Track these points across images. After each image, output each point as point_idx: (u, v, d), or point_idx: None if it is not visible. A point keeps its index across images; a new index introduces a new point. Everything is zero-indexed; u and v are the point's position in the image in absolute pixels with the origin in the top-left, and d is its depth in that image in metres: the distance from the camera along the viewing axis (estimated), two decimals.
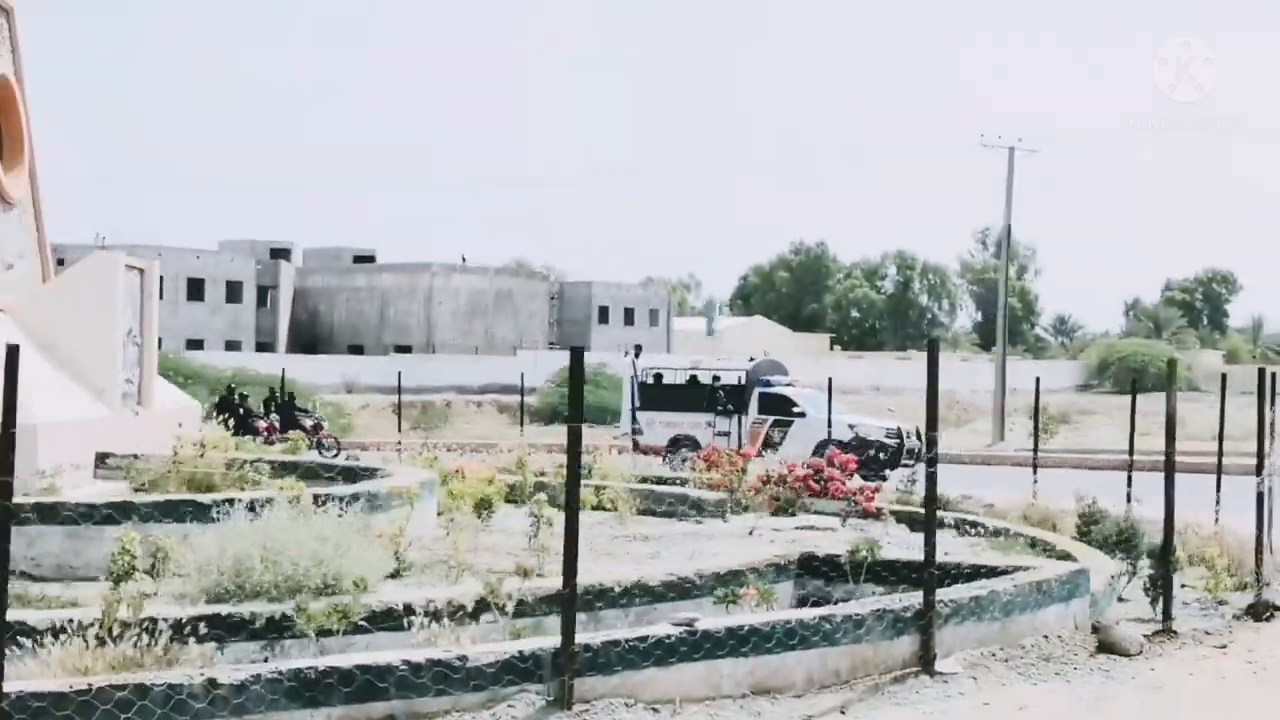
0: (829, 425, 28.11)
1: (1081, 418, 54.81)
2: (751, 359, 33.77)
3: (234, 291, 74.93)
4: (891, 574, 10.69)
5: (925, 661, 8.78)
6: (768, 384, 30.42)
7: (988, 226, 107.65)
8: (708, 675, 7.96)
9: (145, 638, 7.27)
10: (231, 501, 10.42)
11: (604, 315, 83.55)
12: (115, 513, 10.29)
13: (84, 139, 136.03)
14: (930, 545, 9.08)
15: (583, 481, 9.85)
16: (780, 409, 29.91)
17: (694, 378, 31.55)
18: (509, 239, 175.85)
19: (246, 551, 8.60)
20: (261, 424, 26.62)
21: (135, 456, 14.29)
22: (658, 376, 31.78)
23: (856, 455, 20.71)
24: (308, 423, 27.42)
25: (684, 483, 17.90)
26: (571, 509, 7.80)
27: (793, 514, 15.75)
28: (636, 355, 31.43)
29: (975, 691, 8.47)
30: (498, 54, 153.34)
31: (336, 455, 23.87)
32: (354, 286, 78.87)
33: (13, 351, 6.62)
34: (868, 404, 53.60)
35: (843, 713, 7.97)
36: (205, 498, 11.17)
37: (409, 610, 8.28)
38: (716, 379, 30.63)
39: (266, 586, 8.40)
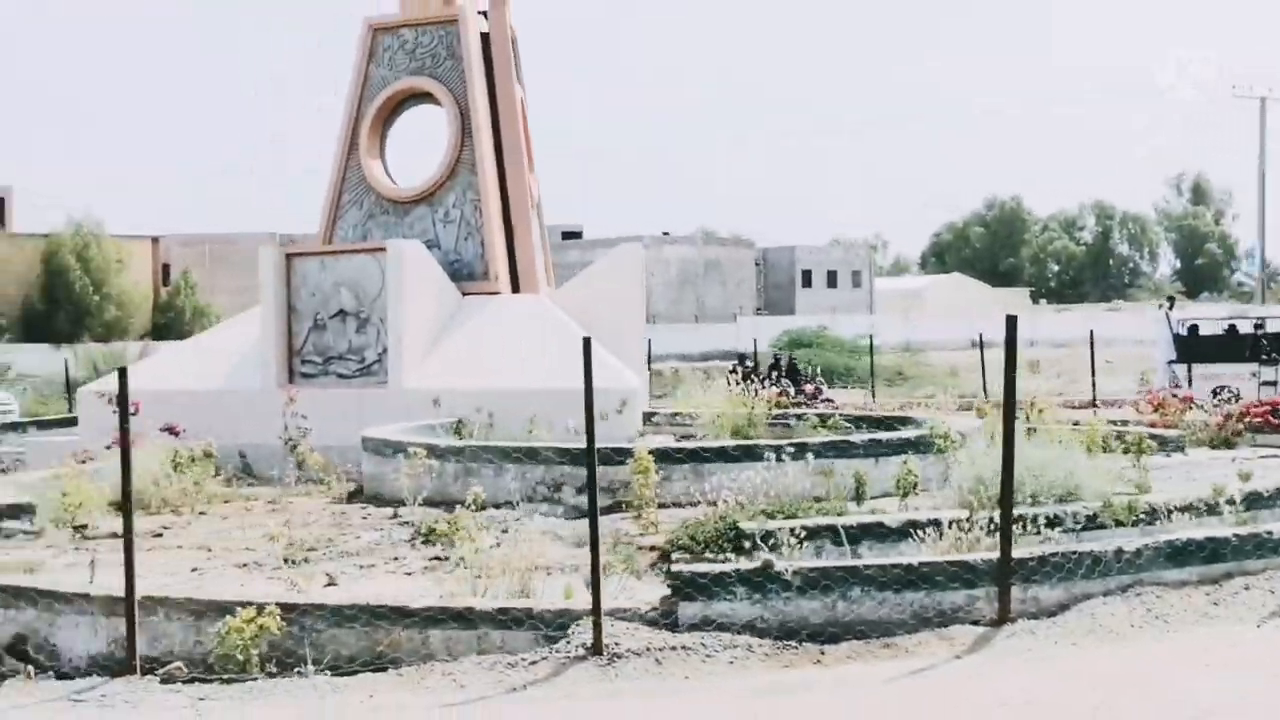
0: None
1: None
2: None
3: None
4: None
5: None
6: None
7: (1182, 172, 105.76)
8: None
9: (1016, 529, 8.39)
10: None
11: (807, 279, 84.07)
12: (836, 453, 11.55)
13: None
14: None
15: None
16: None
17: (1233, 327, 30.73)
18: (690, 207, 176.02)
19: (992, 469, 9.72)
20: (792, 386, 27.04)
21: (676, 414, 15.68)
22: (1193, 328, 31.10)
23: None
24: (809, 387, 28.27)
25: (1124, 423, 18.68)
26: None
27: (1233, 447, 16.61)
28: (1170, 307, 30.75)
29: None
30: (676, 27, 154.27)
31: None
32: (567, 263, 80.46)
33: (587, 342, 8.32)
34: (1082, 357, 53.38)
35: None
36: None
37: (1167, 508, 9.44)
38: (1259, 326, 29.67)
39: (1032, 494, 9.51)
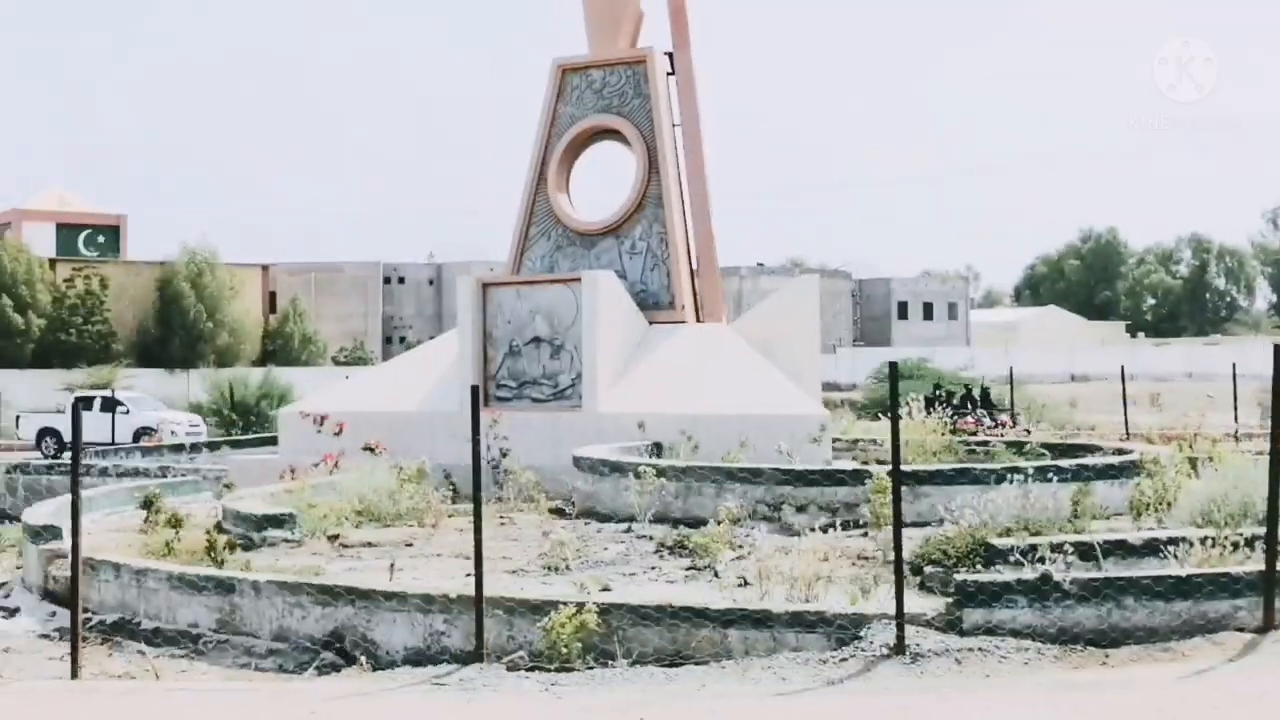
0: None
1: None
2: None
3: None
4: None
5: None
6: None
7: (1277, 206, 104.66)
8: None
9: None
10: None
11: (903, 310, 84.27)
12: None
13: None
14: None
15: None
16: None
17: None
18: (780, 240, 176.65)
19: (1223, 491, 10.27)
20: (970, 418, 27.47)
21: (857, 440, 16.35)
22: None
23: None
24: (1002, 417, 28.69)
25: None
26: None
27: None
28: None
29: None
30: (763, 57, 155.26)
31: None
32: None
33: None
34: (1182, 390, 53.28)
35: None
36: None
37: None
38: None
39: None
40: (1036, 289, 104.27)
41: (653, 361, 16.64)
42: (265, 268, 71.72)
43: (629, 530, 12.53)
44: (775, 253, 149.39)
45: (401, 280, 78.75)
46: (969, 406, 26.15)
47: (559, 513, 14.28)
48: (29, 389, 56.03)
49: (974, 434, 18.14)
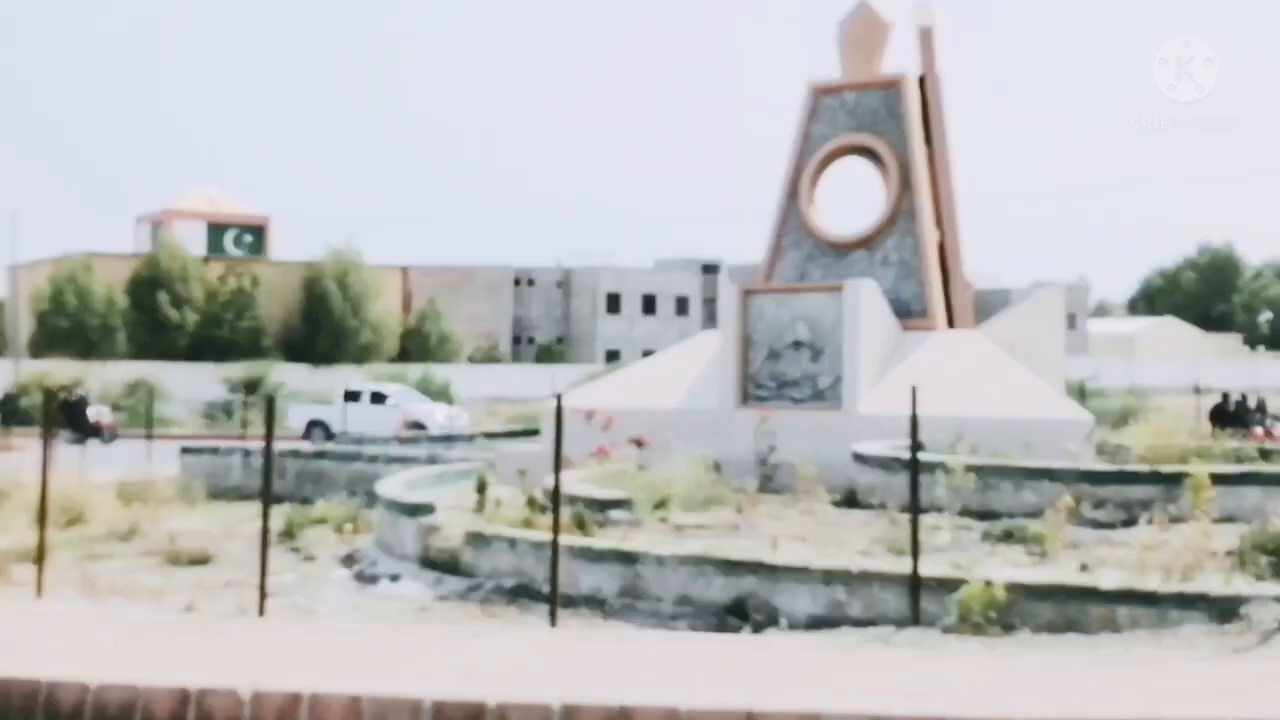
0: None
1: None
2: None
3: (681, 305, 79.45)
4: None
5: None
6: None
7: None
8: None
9: None
10: None
11: None
12: None
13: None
14: None
15: None
16: None
17: None
18: None
19: None
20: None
21: (1119, 446, 17.36)
22: None
23: None
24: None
25: None
26: None
27: None
28: None
29: None
30: None
31: None
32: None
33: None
34: None
35: None
36: None
37: None
38: None
39: None
40: (1151, 301, 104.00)
41: (909, 366, 17.74)
42: (404, 269, 73.83)
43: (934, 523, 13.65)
44: None
45: (531, 283, 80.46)
46: (1247, 416, 26.90)
47: (843, 504, 15.40)
48: (186, 382, 58.33)
49: (1262, 443, 19.09)
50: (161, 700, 8.04)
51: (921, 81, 19.02)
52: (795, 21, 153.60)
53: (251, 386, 57.58)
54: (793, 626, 10.23)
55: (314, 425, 39.08)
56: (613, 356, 76.04)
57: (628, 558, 11.27)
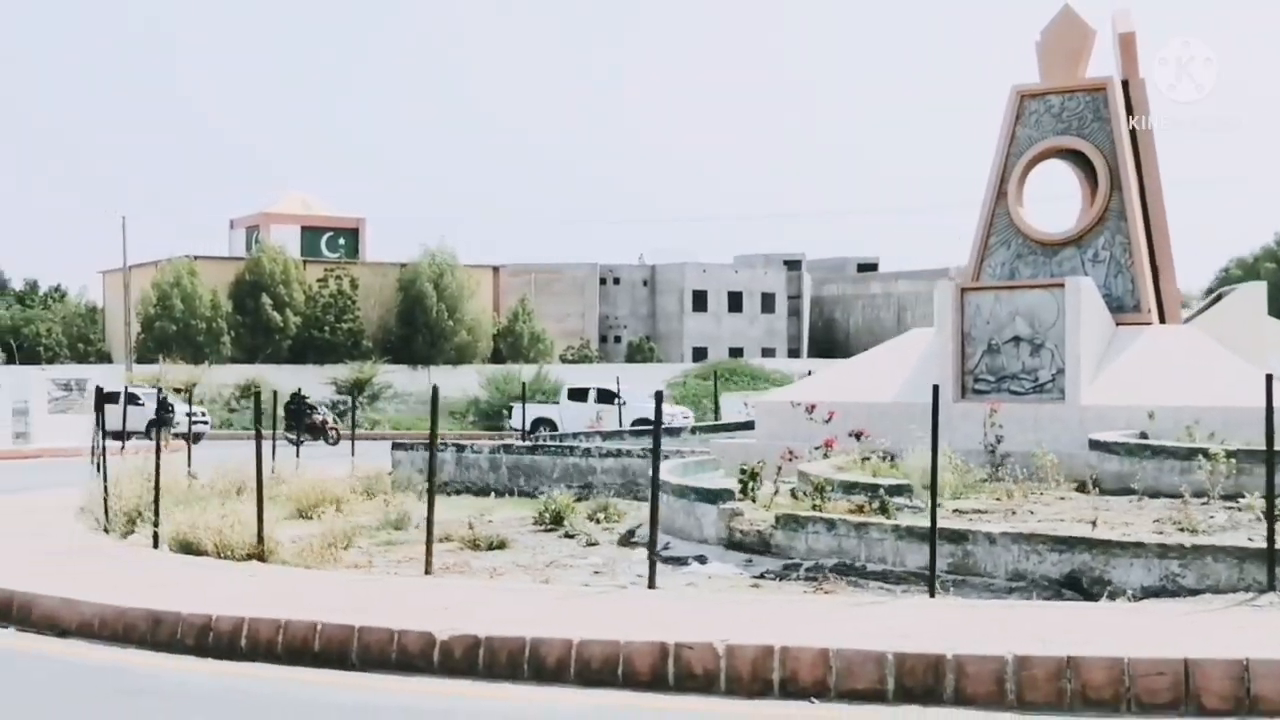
0: None
1: None
2: None
3: (767, 302, 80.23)
4: None
5: None
6: None
7: None
8: None
9: None
10: None
11: None
12: None
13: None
14: None
15: None
16: None
17: None
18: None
19: None
20: None
21: None
22: None
23: None
24: None
25: None
26: None
27: None
28: None
29: None
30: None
31: None
32: (869, 294, 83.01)
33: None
34: None
35: None
36: None
37: None
38: None
39: None
40: None
41: (1126, 359, 18.56)
42: (496, 269, 75.03)
43: (1206, 504, 14.47)
44: (949, 256, 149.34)
45: (617, 281, 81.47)
46: None
47: (1084, 490, 16.22)
48: (292, 383, 59.55)
49: None
50: (642, 654, 9.03)
51: (1125, 85, 19.81)
52: (859, 17, 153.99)
53: (359, 387, 58.93)
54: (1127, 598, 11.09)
55: (539, 424, 40.38)
56: (700, 354, 76.99)
57: (958, 536, 12.16)
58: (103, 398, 20.62)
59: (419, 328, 68.24)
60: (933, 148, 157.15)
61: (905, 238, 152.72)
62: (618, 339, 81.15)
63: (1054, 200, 21.09)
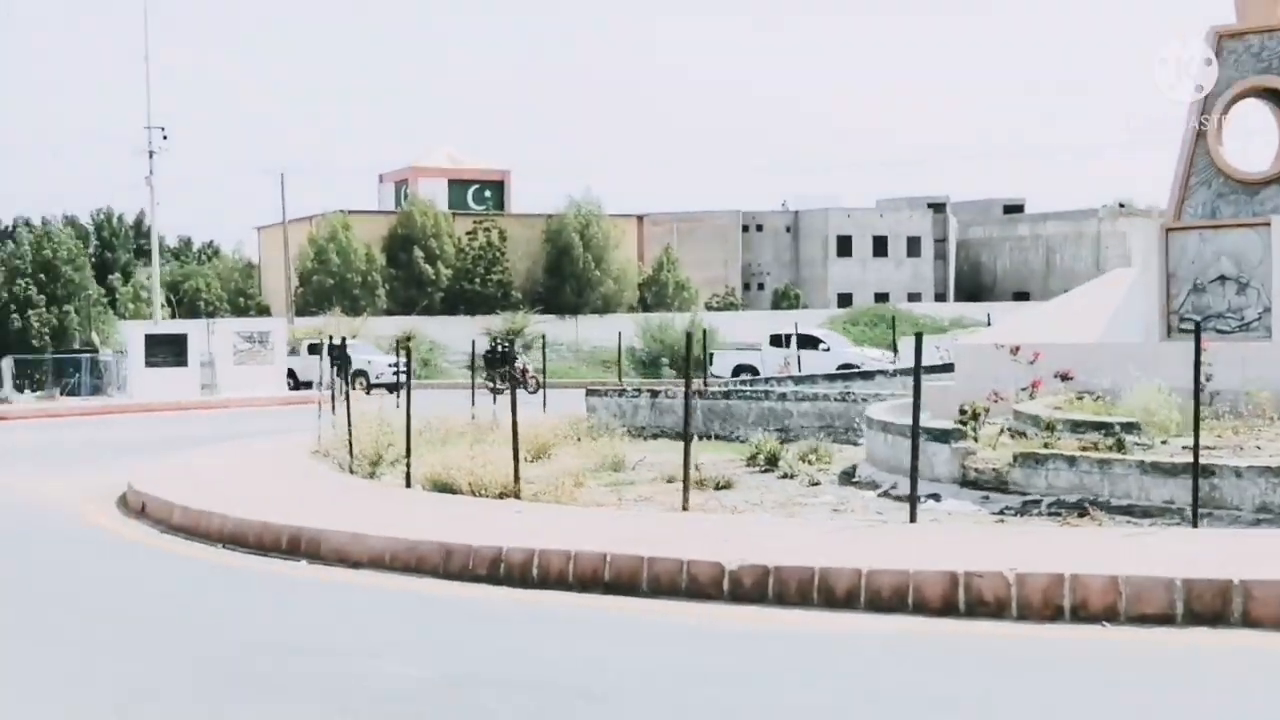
0: None
1: None
2: None
3: (913, 246, 79.79)
4: None
5: None
6: None
7: None
8: None
9: None
10: None
11: None
12: None
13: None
14: None
15: None
16: None
17: None
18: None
19: None
20: None
21: None
22: None
23: None
24: None
25: None
26: None
27: None
28: None
29: None
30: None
31: None
32: (1017, 235, 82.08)
33: None
34: None
35: None
36: None
37: None
38: None
39: None
40: None
41: None
42: (640, 218, 75.69)
43: None
44: (1086, 194, 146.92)
45: (759, 228, 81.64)
46: None
47: None
48: (447, 334, 60.91)
49: None
50: (932, 582, 9.55)
51: None
52: None
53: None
54: None
55: (740, 369, 41.27)
56: (845, 300, 76.97)
57: (1206, 471, 12.45)
58: (340, 350, 21.59)
59: (566, 278, 69.26)
60: (1078, 87, 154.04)
61: (1049, 178, 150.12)
62: (760, 286, 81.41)
63: (1246, 137, 20.94)
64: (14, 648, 9.04)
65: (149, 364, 37.63)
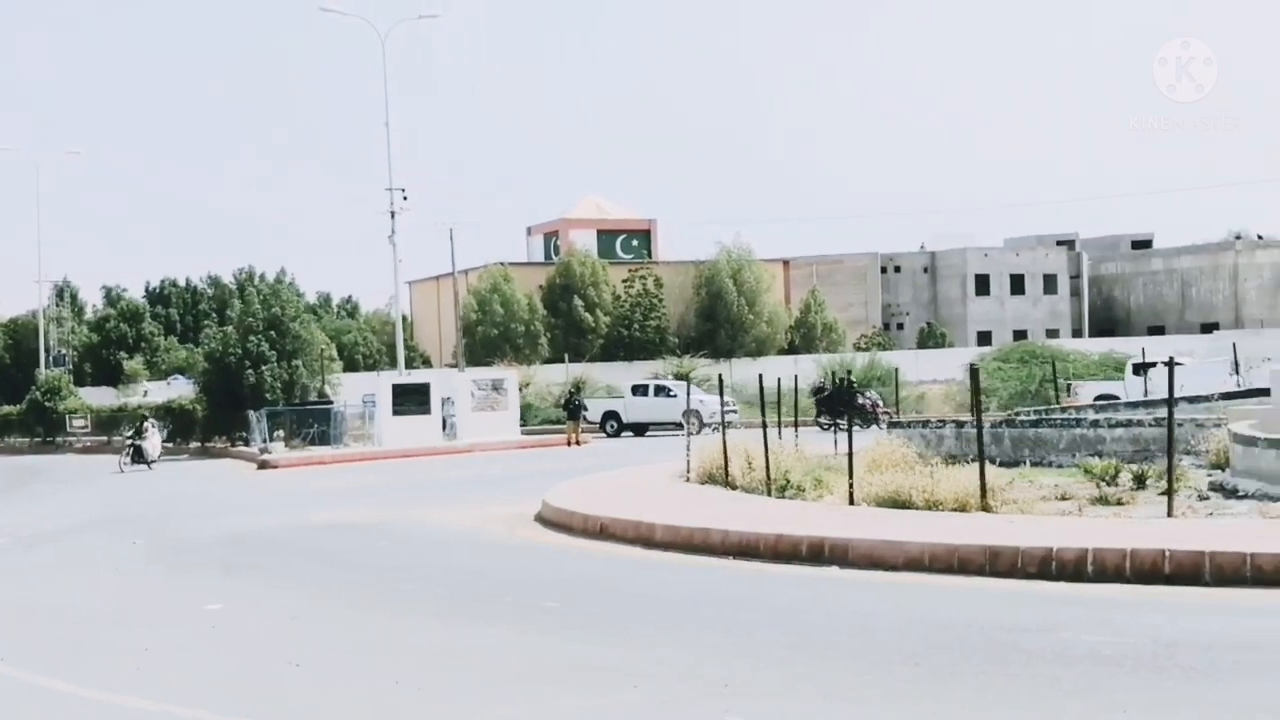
0: None
1: None
2: None
3: (1049, 283, 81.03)
4: None
5: None
6: None
7: None
8: None
9: None
10: None
11: None
12: None
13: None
14: None
15: None
16: None
17: None
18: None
19: None
20: None
21: None
22: None
23: None
24: None
25: None
26: None
27: None
28: None
29: None
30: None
31: None
32: (1150, 270, 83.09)
33: None
34: None
35: None
36: None
37: None
38: None
39: None
40: None
41: None
42: (786, 262, 77.64)
43: None
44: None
45: (898, 269, 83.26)
46: None
47: None
48: (611, 380, 62.93)
49: None
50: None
51: None
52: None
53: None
54: None
55: (1101, 397, 41.48)
56: (984, 338, 78.34)
57: None
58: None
59: (720, 322, 71.20)
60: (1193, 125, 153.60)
61: (1172, 212, 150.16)
62: (900, 325, 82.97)
63: None
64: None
65: (396, 412, 39.85)
